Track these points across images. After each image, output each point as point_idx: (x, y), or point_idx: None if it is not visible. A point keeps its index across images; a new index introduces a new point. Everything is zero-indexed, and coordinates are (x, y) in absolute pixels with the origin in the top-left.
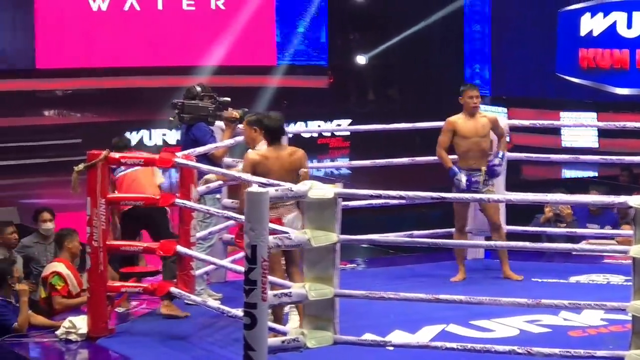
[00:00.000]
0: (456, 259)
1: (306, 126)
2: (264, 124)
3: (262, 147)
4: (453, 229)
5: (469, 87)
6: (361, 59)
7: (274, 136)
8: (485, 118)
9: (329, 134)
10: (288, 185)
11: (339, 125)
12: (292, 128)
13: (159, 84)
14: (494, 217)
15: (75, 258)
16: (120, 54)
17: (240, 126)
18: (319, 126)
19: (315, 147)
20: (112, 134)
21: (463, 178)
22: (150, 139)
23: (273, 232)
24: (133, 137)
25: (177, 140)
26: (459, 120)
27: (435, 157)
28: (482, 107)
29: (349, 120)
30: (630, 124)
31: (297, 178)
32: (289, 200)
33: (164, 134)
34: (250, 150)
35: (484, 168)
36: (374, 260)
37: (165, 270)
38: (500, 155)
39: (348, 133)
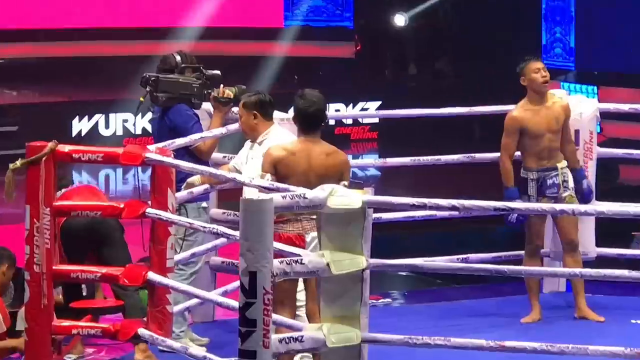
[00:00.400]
0: (528, 292)
1: None
2: (296, 107)
3: (275, 139)
4: (523, 252)
5: (532, 59)
6: (400, 19)
7: (308, 124)
8: (559, 105)
9: (350, 122)
10: (300, 190)
11: (365, 109)
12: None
13: (123, 52)
14: (570, 233)
15: (4, 288)
16: (70, 12)
17: (235, 109)
18: (336, 110)
19: (331, 139)
20: (58, 119)
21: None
22: (107, 126)
23: (280, 254)
24: (83, 124)
25: (144, 129)
26: (525, 114)
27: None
28: (566, 85)
29: (378, 103)
30: None
31: None
32: (306, 210)
33: (125, 120)
34: (273, 144)
35: (560, 164)
36: (415, 293)
37: (130, 305)
38: (583, 174)
39: (376, 120)
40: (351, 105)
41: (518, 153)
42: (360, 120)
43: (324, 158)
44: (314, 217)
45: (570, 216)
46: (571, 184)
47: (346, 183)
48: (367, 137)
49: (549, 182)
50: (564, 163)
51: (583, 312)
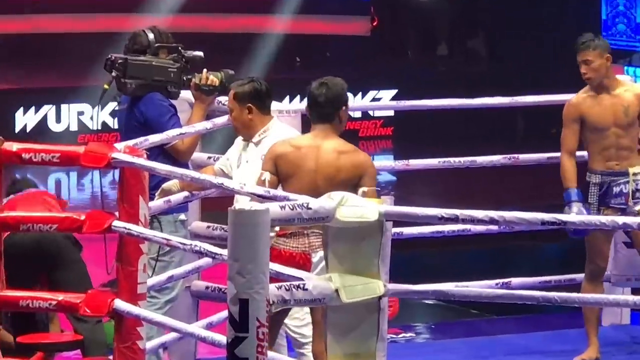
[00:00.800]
0: (585, 324)
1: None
2: (308, 95)
3: (275, 137)
4: (581, 275)
5: (576, 47)
6: None
7: (318, 113)
8: (632, 94)
9: (358, 115)
10: (303, 198)
11: (377, 99)
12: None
13: (82, 28)
14: None
15: None
16: None
17: (223, 100)
18: None
19: None
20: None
21: (574, 210)
22: (58, 120)
23: (276, 278)
24: (29, 117)
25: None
26: (585, 101)
27: (556, 155)
28: (632, 70)
29: (393, 92)
30: None
31: None
32: (310, 224)
33: (81, 112)
34: (231, 150)
35: (634, 169)
36: (444, 325)
37: (91, 341)
38: None
39: (391, 113)
40: (360, 93)
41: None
42: (370, 112)
43: (335, 157)
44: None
45: None
46: None
47: (366, 189)
48: (380, 134)
49: (615, 189)
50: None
51: None
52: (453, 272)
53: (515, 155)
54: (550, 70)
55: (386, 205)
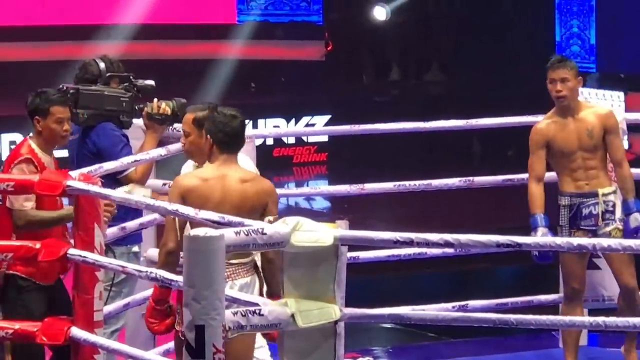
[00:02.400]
0: (563, 346)
1: (254, 127)
2: (214, 123)
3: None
4: (539, 297)
5: (550, 65)
6: (380, 13)
7: (228, 145)
8: (594, 116)
9: (292, 141)
10: (257, 224)
11: (312, 125)
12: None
13: (32, 56)
14: (624, 276)
15: None
16: None
17: (177, 126)
18: (275, 126)
19: (269, 162)
20: None
21: (539, 235)
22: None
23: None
24: None
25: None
26: (550, 126)
27: (509, 178)
28: (586, 91)
29: (327, 117)
30: None
31: None
32: (247, 252)
33: (13, 142)
34: (183, 171)
35: (604, 189)
36: (402, 349)
37: None
38: (634, 208)
39: (325, 138)
40: (292, 119)
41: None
42: (304, 139)
43: (240, 186)
44: (246, 259)
45: (619, 253)
46: (619, 214)
47: (271, 218)
48: (314, 160)
49: (585, 211)
50: (611, 189)
51: None
52: (410, 295)
53: (470, 178)
54: (504, 93)
55: (341, 229)
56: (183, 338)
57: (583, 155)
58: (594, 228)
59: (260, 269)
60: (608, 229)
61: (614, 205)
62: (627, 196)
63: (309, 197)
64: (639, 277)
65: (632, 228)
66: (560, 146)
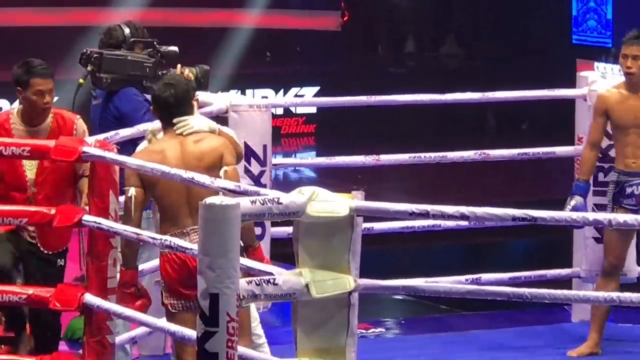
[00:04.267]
0: (591, 319)
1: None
2: (158, 97)
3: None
4: (553, 271)
5: (626, 39)
6: None
7: (171, 114)
8: None
9: (280, 112)
10: (274, 193)
11: (301, 96)
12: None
13: (54, 22)
14: None
15: None
16: None
17: (202, 95)
18: (263, 97)
19: None
20: None
21: (572, 203)
22: None
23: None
24: None
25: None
26: (613, 96)
27: (524, 151)
28: (602, 66)
29: (316, 89)
30: None
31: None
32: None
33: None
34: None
35: None
36: (414, 321)
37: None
38: None
39: (314, 110)
40: (282, 91)
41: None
42: (292, 109)
43: (194, 147)
44: None
45: None
46: None
47: (227, 168)
48: (302, 131)
49: (628, 190)
50: None
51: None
52: (423, 267)
53: (486, 151)
54: (520, 67)
55: (357, 200)
56: (173, 310)
57: (637, 133)
58: (635, 207)
59: None
60: None
61: None
62: None
63: (296, 169)
64: None
65: None
66: (616, 118)
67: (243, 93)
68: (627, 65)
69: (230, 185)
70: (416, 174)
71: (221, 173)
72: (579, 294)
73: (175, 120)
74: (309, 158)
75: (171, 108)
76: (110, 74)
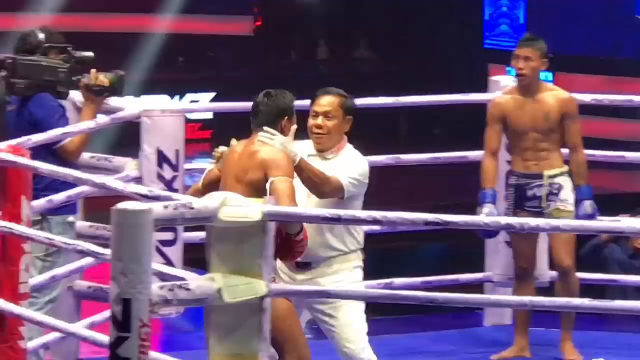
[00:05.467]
0: (515, 324)
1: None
2: (255, 101)
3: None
4: (465, 276)
5: (518, 41)
6: None
7: (257, 121)
8: (554, 99)
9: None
10: (187, 198)
11: (195, 101)
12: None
13: None
14: (559, 255)
15: None
16: None
17: (113, 101)
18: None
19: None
20: None
21: (485, 211)
22: None
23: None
24: None
25: None
26: (508, 102)
27: (436, 156)
28: (512, 72)
29: (211, 94)
30: None
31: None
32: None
33: None
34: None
35: (550, 172)
36: None
37: None
38: (586, 194)
39: (210, 115)
40: (178, 96)
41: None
42: (188, 115)
43: (245, 159)
44: None
45: (558, 234)
46: (565, 196)
47: (272, 179)
48: (198, 137)
49: (529, 192)
50: (559, 170)
51: (564, 349)
52: None
53: (398, 156)
54: (432, 72)
55: (269, 205)
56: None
57: (535, 137)
58: (538, 210)
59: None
60: (549, 209)
61: (559, 187)
62: (580, 182)
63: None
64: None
65: (582, 215)
66: (513, 124)
67: (152, 98)
68: (519, 67)
69: (143, 190)
70: None
71: (267, 185)
72: (490, 298)
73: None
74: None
75: (259, 115)
76: (24, 79)
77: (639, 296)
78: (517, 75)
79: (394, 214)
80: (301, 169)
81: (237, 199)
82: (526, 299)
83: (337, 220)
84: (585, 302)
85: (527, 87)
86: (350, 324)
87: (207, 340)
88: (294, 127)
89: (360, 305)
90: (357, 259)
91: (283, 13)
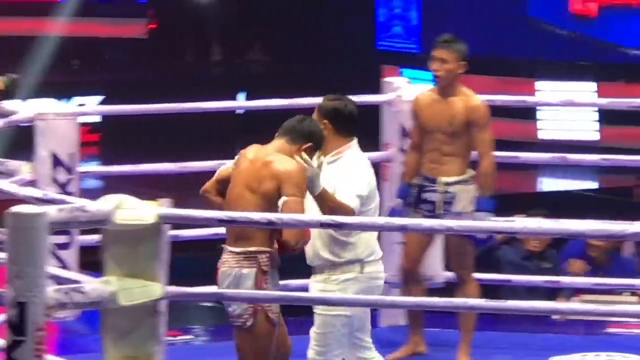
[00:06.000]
0: (409, 323)
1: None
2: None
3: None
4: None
5: (435, 43)
6: None
7: (282, 127)
8: (462, 104)
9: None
10: (81, 201)
11: (82, 105)
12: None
13: None
14: (456, 269)
15: None
16: None
17: (7, 103)
18: (80, 105)
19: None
20: None
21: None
22: None
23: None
24: None
25: None
26: (423, 99)
27: None
28: (407, 73)
29: (99, 98)
30: None
31: (265, 206)
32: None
33: None
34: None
35: (447, 179)
36: (223, 328)
37: None
38: (483, 206)
39: (98, 119)
40: (65, 100)
41: None
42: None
43: (250, 163)
44: (237, 251)
45: (453, 246)
46: (458, 208)
47: (286, 199)
48: (86, 141)
49: (424, 195)
50: (454, 179)
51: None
52: None
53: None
54: (327, 72)
55: (164, 207)
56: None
57: (440, 139)
58: (432, 215)
59: (261, 262)
60: (445, 217)
61: (452, 197)
62: (481, 192)
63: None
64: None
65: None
66: (422, 122)
67: (46, 101)
68: (434, 68)
69: (38, 193)
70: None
71: (280, 202)
72: (385, 300)
73: None
74: (115, 166)
75: (287, 123)
76: None
77: (531, 297)
78: (434, 77)
79: (289, 215)
80: (323, 200)
81: (131, 202)
82: (419, 299)
83: (232, 222)
84: (481, 302)
85: (444, 88)
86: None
87: (103, 343)
88: (322, 158)
89: (333, 320)
90: (350, 272)
91: (177, 16)
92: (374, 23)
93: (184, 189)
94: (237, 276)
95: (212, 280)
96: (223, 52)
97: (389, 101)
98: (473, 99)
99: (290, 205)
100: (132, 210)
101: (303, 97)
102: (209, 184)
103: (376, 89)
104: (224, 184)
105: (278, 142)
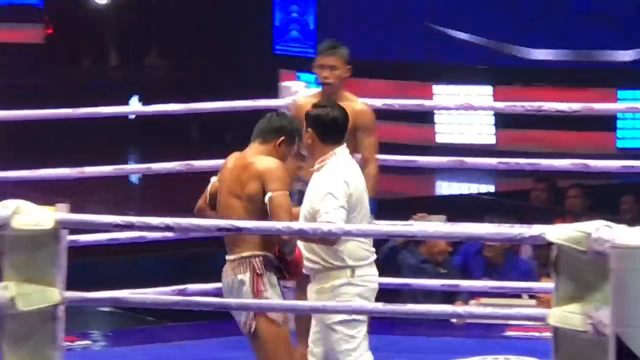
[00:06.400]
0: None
1: None
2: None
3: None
4: None
5: (321, 50)
6: None
7: (256, 131)
8: (349, 110)
9: None
10: None
11: None
12: None
13: None
14: None
15: None
16: None
17: None
18: None
19: None
20: None
21: None
22: None
23: None
24: None
25: None
26: (306, 104)
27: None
28: (304, 77)
29: None
30: (550, 105)
31: (253, 209)
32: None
33: None
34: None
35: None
36: (121, 333)
37: None
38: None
39: None
40: None
41: None
42: None
43: (240, 170)
44: (231, 257)
45: None
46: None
47: (273, 194)
48: None
49: (296, 197)
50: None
51: None
52: (130, 279)
53: (190, 162)
54: (224, 78)
55: (61, 213)
56: None
57: None
58: None
59: (255, 266)
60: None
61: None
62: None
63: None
64: None
65: None
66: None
67: None
68: (324, 76)
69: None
70: (122, 186)
71: (266, 200)
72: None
73: None
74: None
75: (260, 126)
76: None
77: (430, 301)
78: (323, 84)
79: (186, 220)
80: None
81: (29, 207)
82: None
83: (130, 227)
84: (379, 306)
85: (329, 94)
86: None
87: (0, 350)
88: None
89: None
90: (344, 277)
91: (74, 21)
92: (271, 27)
93: (79, 195)
94: (234, 283)
95: (111, 285)
96: (120, 58)
97: (287, 105)
98: (358, 104)
99: (277, 200)
100: (30, 216)
101: (200, 102)
102: (201, 202)
103: (274, 93)
104: (215, 198)
105: (254, 146)
